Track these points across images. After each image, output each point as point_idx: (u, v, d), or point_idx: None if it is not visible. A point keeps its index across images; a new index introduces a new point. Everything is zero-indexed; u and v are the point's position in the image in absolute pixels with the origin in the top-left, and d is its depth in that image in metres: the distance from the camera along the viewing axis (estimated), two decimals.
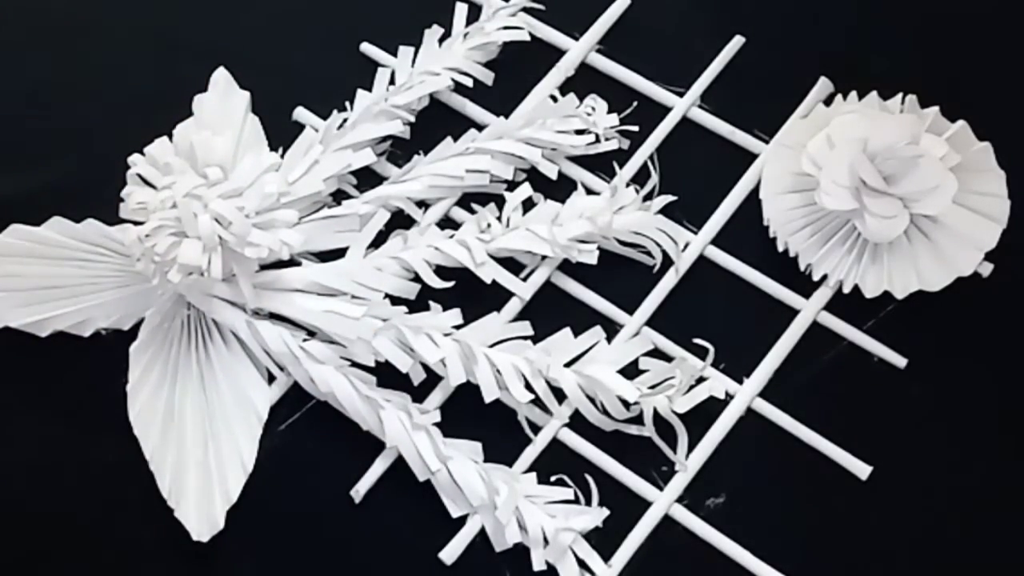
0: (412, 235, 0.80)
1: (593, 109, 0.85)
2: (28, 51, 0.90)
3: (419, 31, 0.87)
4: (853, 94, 0.81)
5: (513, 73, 0.87)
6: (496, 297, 0.79)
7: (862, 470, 0.74)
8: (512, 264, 0.80)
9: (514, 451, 0.75)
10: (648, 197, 0.81)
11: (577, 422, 0.76)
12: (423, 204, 0.83)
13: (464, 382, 0.76)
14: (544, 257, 0.80)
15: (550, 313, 0.79)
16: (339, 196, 0.82)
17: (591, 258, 0.80)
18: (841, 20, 0.90)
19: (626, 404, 0.75)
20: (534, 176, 0.83)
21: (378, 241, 0.80)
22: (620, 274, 0.80)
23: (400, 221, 0.82)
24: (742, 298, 0.80)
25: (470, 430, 0.75)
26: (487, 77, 0.87)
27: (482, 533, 0.73)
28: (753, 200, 0.82)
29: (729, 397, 0.76)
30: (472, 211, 0.82)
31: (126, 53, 0.90)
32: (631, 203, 0.80)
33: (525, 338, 0.77)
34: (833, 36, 0.89)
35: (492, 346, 0.76)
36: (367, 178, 0.83)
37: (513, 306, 0.79)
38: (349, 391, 0.75)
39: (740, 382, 0.77)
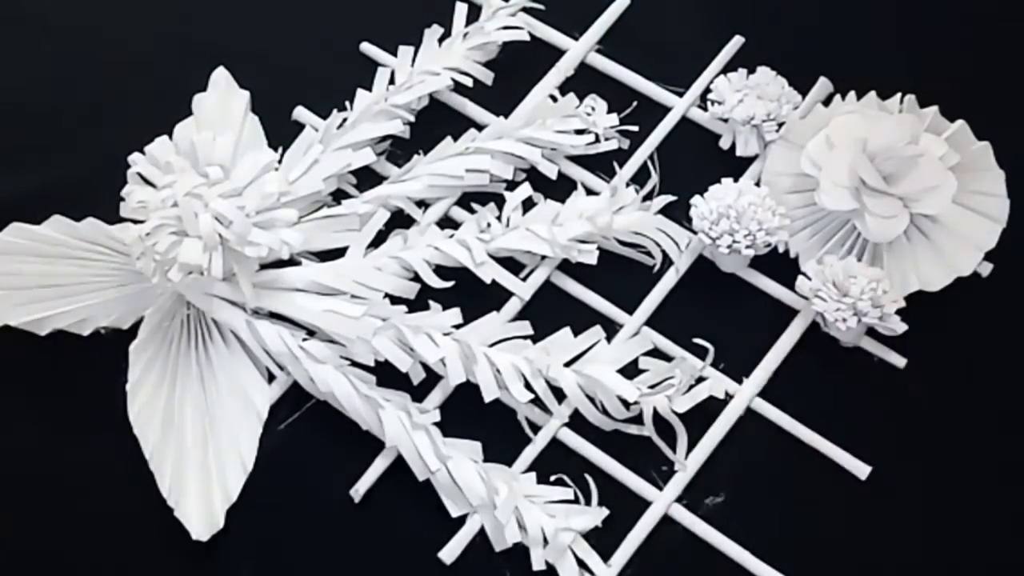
0: (412, 235, 0.80)
1: (593, 109, 0.85)
2: (28, 51, 0.90)
3: (419, 31, 0.87)
4: (852, 94, 0.81)
5: (513, 73, 0.87)
6: (496, 297, 0.79)
7: (862, 470, 0.74)
8: (512, 264, 0.80)
9: (514, 451, 0.75)
10: (648, 197, 0.81)
11: (577, 422, 0.76)
12: (423, 204, 0.83)
13: (464, 382, 0.76)
14: (544, 257, 0.80)
15: (550, 313, 0.79)
16: (339, 196, 0.82)
17: (591, 258, 0.80)
18: (840, 20, 0.90)
19: (626, 404, 0.75)
20: (534, 176, 0.83)
21: (378, 241, 0.80)
22: (620, 274, 0.80)
23: (400, 221, 0.82)
24: (742, 298, 0.80)
25: (470, 430, 0.75)
26: (487, 77, 0.87)
27: (482, 533, 0.73)
28: None
29: (729, 397, 0.76)
30: (472, 211, 0.82)
31: (126, 53, 0.90)
32: (631, 203, 0.80)
33: (525, 338, 0.77)
34: (832, 36, 0.89)
35: (492, 346, 0.76)
36: (367, 178, 0.83)
37: (513, 306, 0.79)
38: (349, 391, 0.75)
39: (740, 382, 0.77)
